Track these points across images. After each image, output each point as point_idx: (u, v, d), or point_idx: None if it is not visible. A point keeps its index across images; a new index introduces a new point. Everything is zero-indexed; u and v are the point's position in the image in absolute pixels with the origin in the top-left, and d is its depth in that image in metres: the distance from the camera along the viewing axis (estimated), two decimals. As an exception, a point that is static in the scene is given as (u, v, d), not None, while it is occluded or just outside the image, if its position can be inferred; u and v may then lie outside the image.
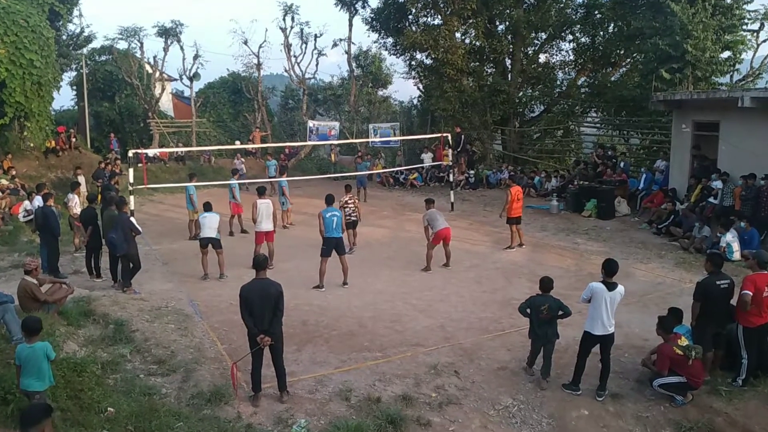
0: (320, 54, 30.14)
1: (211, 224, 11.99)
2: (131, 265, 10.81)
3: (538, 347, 7.47)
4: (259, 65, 30.87)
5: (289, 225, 16.71)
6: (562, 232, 15.64)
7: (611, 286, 7.00)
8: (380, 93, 33.69)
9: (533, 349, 7.56)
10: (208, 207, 12.34)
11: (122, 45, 29.79)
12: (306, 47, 29.84)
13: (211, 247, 11.97)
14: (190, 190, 15.24)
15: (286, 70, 30.21)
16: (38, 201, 13.48)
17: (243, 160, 24.12)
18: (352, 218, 13.73)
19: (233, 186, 16.07)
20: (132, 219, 11.10)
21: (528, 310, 7.41)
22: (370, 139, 26.99)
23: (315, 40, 29.60)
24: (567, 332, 8.29)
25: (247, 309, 6.73)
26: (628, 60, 24.44)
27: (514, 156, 25.10)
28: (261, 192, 13.00)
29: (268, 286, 6.80)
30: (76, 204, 13.82)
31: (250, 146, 27.48)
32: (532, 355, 7.62)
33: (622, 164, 19.04)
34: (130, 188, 14.34)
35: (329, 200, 11.76)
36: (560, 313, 7.32)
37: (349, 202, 13.73)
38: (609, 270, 7.06)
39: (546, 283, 7.44)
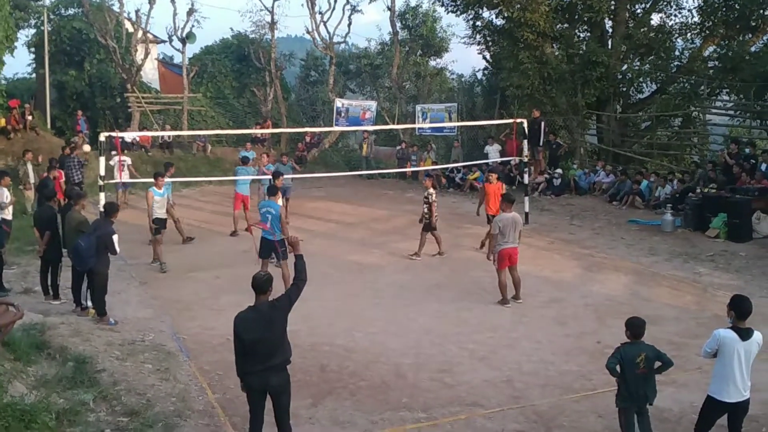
0: (354, 10, 30.63)
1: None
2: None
3: (631, 415, 7.17)
4: (273, 24, 31.40)
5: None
6: (678, 257, 15.44)
7: (745, 334, 6.77)
8: (432, 64, 33.81)
9: (626, 419, 7.21)
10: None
11: (95, -6, 30.48)
12: (335, 1, 30.28)
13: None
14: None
15: (308, 32, 30.68)
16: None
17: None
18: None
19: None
20: (115, 236, 11.00)
21: (618, 367, 7.12)
22: (417, 125, 27.03)
23: (348, -9, 30.03)
24: (682, 395, 8.14)
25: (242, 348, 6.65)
26: (776, 23, 23.93)
27: (614, 151, 24.82)
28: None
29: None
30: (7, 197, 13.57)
31: (258, 131, 27.77)
32: (626, 428, 7.31)
33: (763, 166, 18.61)
34: (101, 183, 14.65)
35: (271, 191, 12.86)
36: (658, 364, 7.14)
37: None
38: (740, 310, 6.82)
39: (636, 326, 7.17)
